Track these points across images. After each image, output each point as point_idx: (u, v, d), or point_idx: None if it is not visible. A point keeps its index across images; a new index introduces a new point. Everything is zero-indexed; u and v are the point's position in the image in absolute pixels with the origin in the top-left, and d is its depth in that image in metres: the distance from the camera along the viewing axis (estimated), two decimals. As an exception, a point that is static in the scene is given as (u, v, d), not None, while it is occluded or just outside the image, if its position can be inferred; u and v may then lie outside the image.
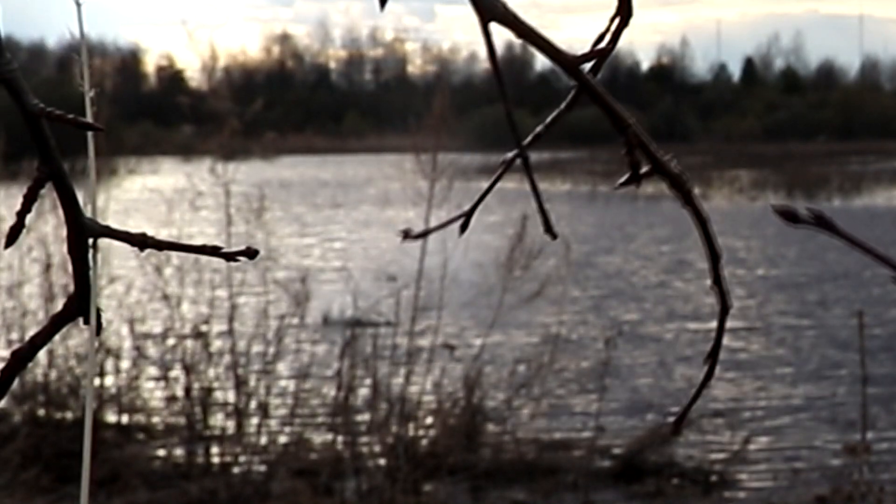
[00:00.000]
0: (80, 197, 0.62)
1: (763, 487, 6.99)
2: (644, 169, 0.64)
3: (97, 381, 7.41)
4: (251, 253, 0.59)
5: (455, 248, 7.36)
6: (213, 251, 0.59)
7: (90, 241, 0.57)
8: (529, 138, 0.70)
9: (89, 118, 0.57)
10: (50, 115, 0.54)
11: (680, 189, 0.64)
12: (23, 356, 0.58)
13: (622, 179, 0.66)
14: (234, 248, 0.58)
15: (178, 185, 8.05)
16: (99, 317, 0.58)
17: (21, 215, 0.57)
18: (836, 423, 8.01)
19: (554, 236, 0.64)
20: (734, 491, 6.93)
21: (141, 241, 0.58)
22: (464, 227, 0.74)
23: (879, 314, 11.26)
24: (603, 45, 0.67)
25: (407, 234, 0.74)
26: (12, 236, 0.58)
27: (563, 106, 0.74)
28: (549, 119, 0.75)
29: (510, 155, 0.72)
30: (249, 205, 7.74)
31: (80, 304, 0.57)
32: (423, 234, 0.74)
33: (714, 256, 0.66)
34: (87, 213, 0.57)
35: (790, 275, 15.07)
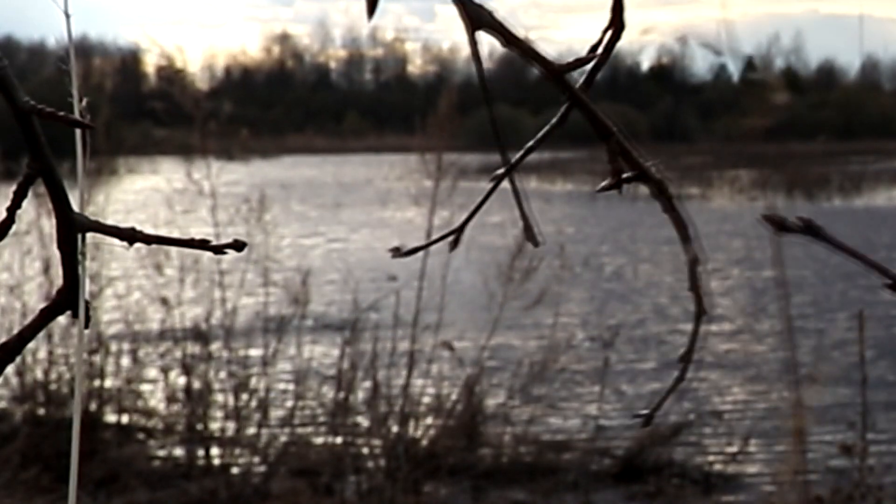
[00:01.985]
0: (78, 193, 0.63)
1: (763, 487, 6.99)
2: (627, 174, 0.64)
3: (96, 382, 7.41)
4: (239, 245, 0.60)
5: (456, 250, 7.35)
6: (201, 245, 0.59)
7: (79, 235, 0.57)
8: (518, 156, 0.71)
9: (77, 115, 0.57)
10: (41, 113, 0.54)
11: (663, 195, 0.64)
12: (11, 348, 0.58)
13: (604, 184, 0.66)
14: (223, 242, 0.58)
15: (175, 185, 8.04)
16: (88, 310, 0.59)
17: (11, 211, 0.58)
18: (837, 424, 8.01)
19: (536, 244, 0.64)
20: (734, 491, 6.93)
21: (130, 236, 0.58)
22: (454, 244, 0.74)
23: (882, 315, 11.25)
24: (597, 55, 0.67)
25: (398, 251, 0.74)
26: (2, 232, 0.58)
27: (554, 121, 0.74)
28: (540, 134, 0.75)
29: (499, 172, 0.72)
30: (249, 204, 7.74)
31: (68, 298, 0.57)
32: (413, 251, 0.74)
33: (693, 262, 0.67)
34: (77, 208, 0.57)
35: (794, 276, 15.06)
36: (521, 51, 0.60)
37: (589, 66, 0.66)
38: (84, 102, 0.60)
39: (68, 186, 0.57)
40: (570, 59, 0.63)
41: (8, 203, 0.57)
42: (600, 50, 0.66)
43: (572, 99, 0.61)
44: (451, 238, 0.71)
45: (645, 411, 0.69)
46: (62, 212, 0.56)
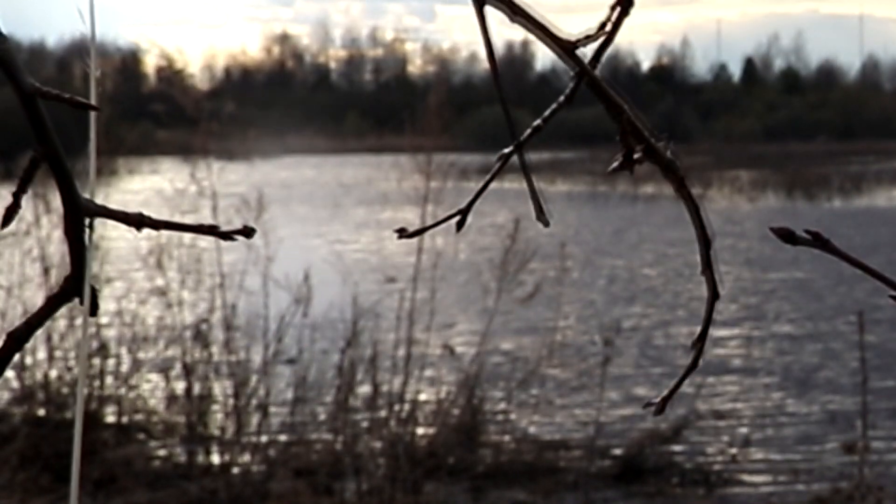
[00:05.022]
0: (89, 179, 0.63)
1: (763, 487, 6.98)
2: (637, 154, 0.63)
3: (96, 382, 7.41)
4: (248, 231, 0.59)
5: (457, 250, 7.36)
6: (209, 230, 0.58)
7: (86, 220, 0.57)
8: (527, 133, 0.70)
9: (93, 100, 0.57)
10: (46, 94, 0.54)
11: (673, 175, 0.64)
12: (18, 336, 0.57)
13: (615, 164, 0.66)
14: (230, 228, 0.58)
15: (176, 186, 8.04)
16: (94, 297, 0.58)
17: (17, 195, 0.57)
18: (837, 424, 8.01)
19: (546, 224, 0.63)
20: (734, 491, 6.93)
21: (138, 221, 0.58)
22: (460, 225, 0.73)
23: (884, 317, 11.24)
24: (606, 31, 0.66)
25: (402, 232, 0.73)
26: (8, 216, 0.58)
27: (562, 98, 0.73)
28: (547, 112, 0.74)
29: (507, 150, 0.71)
30: (249, 204, 7.73)
31: (75, 285, 0.56)
32: (419, 232, 0.74)
33: (706, 242, 0.66)
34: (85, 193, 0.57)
35: (796, 277, 15.06)
36: (529, 24, 0.59)
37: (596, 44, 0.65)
38: (98, 72, 0.59)
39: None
40: (581, 35, 0.62)
41: (14, 188, 0.56)
42: (608, 27, 0.65)
43: (584, 75, 0.61)
44: (457, 219, 0.70)
45: (656, 399, 0.69)
46: (69, 197, 0.55)
